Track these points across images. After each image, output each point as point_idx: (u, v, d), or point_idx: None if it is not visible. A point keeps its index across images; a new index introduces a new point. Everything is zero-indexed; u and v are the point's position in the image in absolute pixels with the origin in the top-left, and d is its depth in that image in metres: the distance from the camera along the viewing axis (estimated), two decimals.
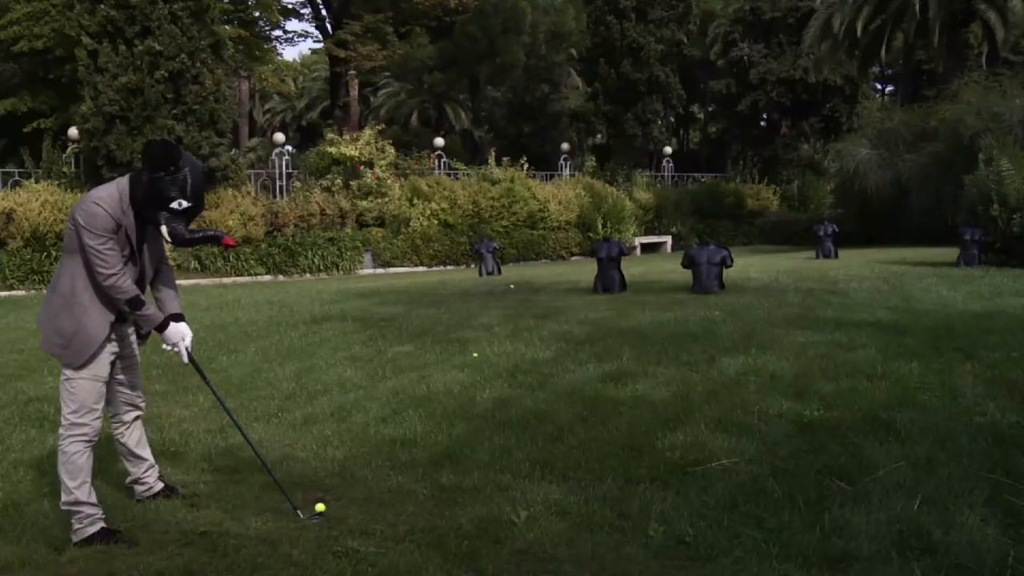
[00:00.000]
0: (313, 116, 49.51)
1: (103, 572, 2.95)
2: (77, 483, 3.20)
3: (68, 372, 3.21)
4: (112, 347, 3.29)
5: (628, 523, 3.21)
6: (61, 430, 3.23)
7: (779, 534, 3.02)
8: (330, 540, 3.13)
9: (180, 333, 3.36)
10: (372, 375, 6.01)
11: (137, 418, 3.56)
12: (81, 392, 3.19)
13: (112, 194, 3.16)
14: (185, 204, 3.11)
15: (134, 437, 3.57)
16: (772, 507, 3.26)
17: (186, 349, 3.38)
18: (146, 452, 3.63)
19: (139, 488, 3.64)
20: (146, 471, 3.63)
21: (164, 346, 3.40)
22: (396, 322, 8.34)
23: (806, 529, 3.05)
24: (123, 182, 3.19)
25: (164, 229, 3.14)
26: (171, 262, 3.55)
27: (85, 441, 3.21)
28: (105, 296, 3.17)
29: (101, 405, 3.27)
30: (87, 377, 3.20)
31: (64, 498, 3.22)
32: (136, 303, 3.19)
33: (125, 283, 3.15)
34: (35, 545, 3.20)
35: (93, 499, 3.25)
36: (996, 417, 4.19)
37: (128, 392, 3.49)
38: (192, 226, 3.23)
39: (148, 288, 3.45)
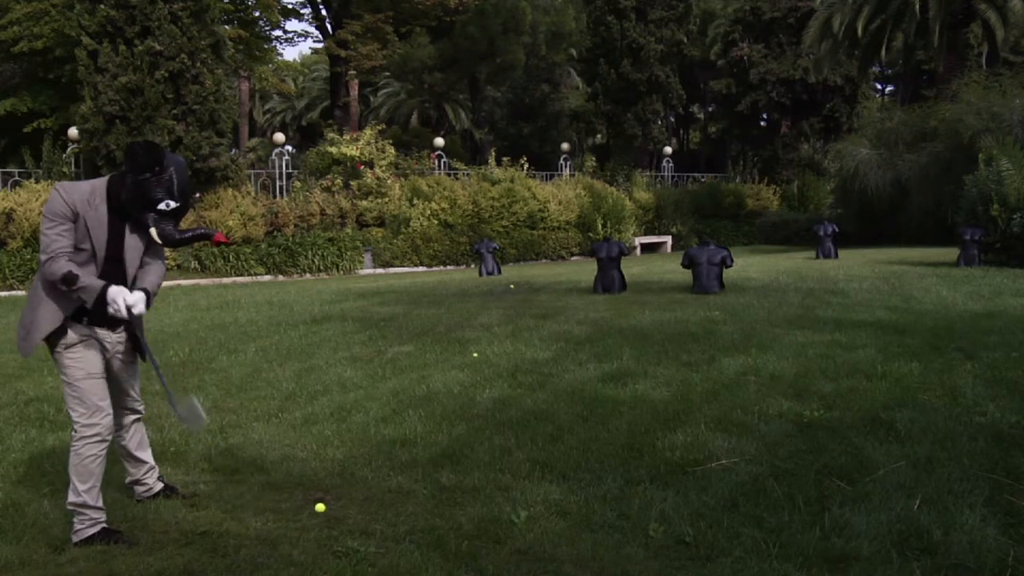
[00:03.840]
0: (313, 116, 49.55)
1: (103, 572, 2.95)
2: (87, 487, 3.19)
3: (65, 377, 3.20)
4: (92, 345, 3.24)
5: (628, 523, 3.21)
6: (74, 434, 3.21)
7: (779, 534, 3.02)
8: (330, 540, 3.13)
9: (121, 293, 3.10)
10: (372, 375, 6.01)
11: (136, 421, 3.56)
12: (84, 393, 3.19)
13: (81, 186, 3.12)
14: (173, 204, 3.06)
15: (135, 440, 3.57)
16: (772, 507, 3.26)
17: (127, 308, 3.11)
18: (146, 455, 3.63)
19: (139, 489, 3.64)
20: (146, 473, 3.63)
21: (109, 309, 3.13)
22: (396, 322, 8.34)
23: (806, 529, 3.04)
24: (102, 180, 3.17)
25: (153, 231, 3.09)
26: (171, 262, 3.50)
27: (99, 441, 3.19)
28: (58, 291, 3.12)
29: (107, 401, 3.25)
30: (82, 377, 3.19)
31: (71, 499, 3.21)
32: (70, 279, 3.03)
33: (56, 266, 3.03)
34: (35, 545, 3.20)
35: (100, 504, 3.24)
36: (996, 417, 4.19)
37: (125, 397, 3.48)
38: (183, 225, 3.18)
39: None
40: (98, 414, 3.20)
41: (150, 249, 3.32)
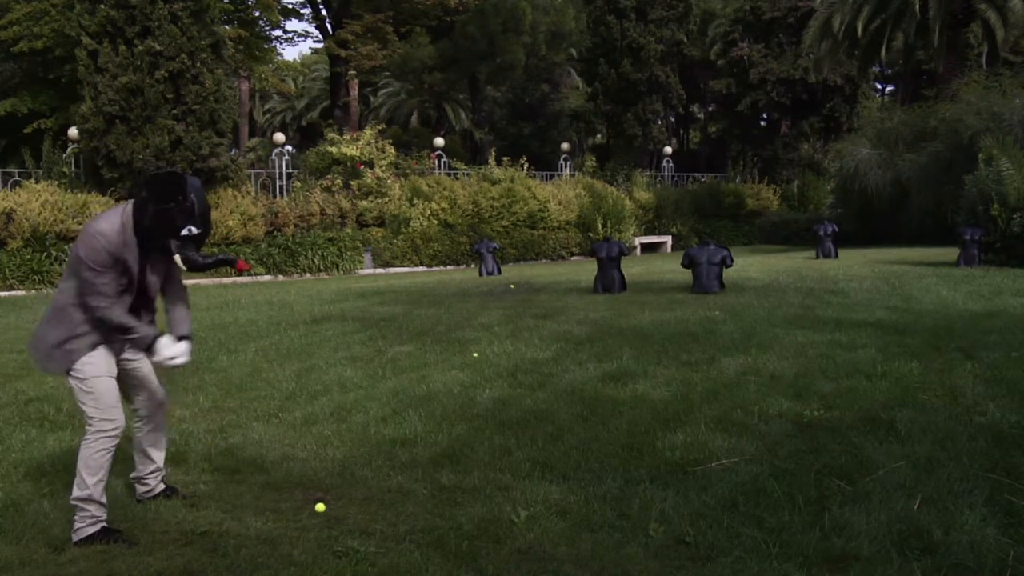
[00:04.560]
0: (313, 116, 49.53)
1: (103, 572, 2.95)
2: (95, 480, 3.20)
3: (80, 374, 3.22)
4: (109, 352, 3.29)
5: (628, 523, 3.21)
6: (87, 429, 3.23)
7: (779, 534, 3.02)
8: (330, 540, 3.13)
9: (169, 347, 3.32)
10: (372, 375, 6.01)
11: (159, 407, 3.57)
12: (98, 391, 3.21)
13: (114, 226, 3.15)
14: (195, 230, 3.09)
15: (152, 436, 3.59)
16: (772, 507, 3.26)
17: (170, 359, 3.32)
18: (159, 456, 3.65)
19: (140, 488, 3.64)
20: (151, 472, 3.64)
21: (155, 358, 3.36)
22: (396, 322, 8.34)
23: (806, 529, 3.05)
24: (127, 211, 3.18)
25: (177, 257, 3.13)
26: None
27: (112, 437, 3.22)
28: (93, 322, 3.21)
29: (119, 400, 3.29)
30: (97, 375, 3.21)
31: (77, 492, 3.21)
32: (125, 330, 3.21)
33: (114, 313, 3.18)
34: (35, 545, 3.20)
35: (104, 500, 3.25)
36: (996, 417, 4.19)
37: (148, 395, 3.51)
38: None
39: (158, 304, 3.45)
40: (113, 411, 3.23)
41: (171, 279, 3.43)
